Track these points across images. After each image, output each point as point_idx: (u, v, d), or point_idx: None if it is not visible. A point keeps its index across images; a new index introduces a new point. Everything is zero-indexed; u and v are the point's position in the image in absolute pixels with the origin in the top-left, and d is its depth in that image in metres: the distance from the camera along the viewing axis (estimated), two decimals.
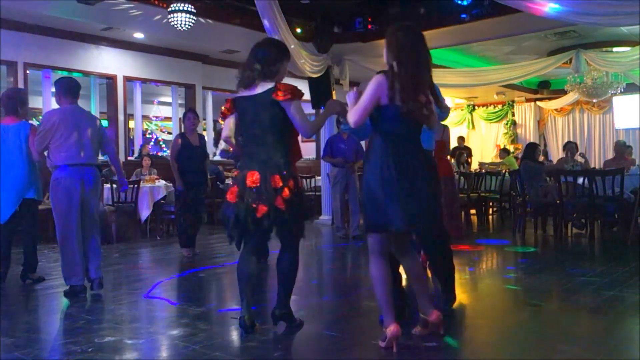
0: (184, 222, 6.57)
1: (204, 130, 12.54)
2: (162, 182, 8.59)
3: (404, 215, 2.99)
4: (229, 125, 3.58)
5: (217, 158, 10.80)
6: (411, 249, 3.27)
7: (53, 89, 5.25)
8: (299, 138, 4.24)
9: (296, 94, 3.33)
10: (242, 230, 3.33)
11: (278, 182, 3.26)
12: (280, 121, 3.34)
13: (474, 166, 13.29)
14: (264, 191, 3.24)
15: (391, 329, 3.01)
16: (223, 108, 3.54)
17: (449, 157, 6.20)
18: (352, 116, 3.07)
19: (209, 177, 7.01)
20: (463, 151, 12.95)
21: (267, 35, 8.51)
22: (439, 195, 3.27)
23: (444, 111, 3.44)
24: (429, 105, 3.06)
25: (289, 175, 3.31)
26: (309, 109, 11.65)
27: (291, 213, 3.28)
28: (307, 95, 11.35)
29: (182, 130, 6.85)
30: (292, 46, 8.75)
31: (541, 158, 10.24)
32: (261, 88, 3.35)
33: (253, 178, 3.27)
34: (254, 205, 3.24)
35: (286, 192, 3.26)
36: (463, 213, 9.11)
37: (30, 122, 5.40)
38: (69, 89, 4.76)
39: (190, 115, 6.81)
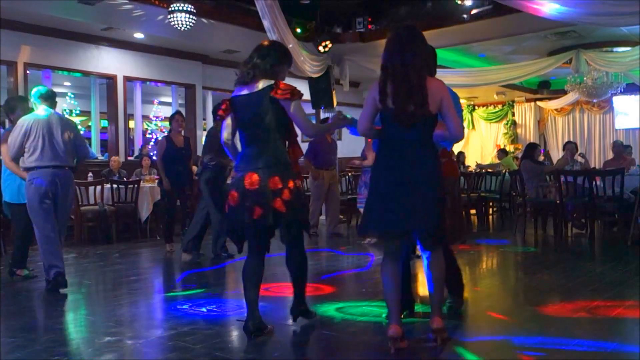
0: (168, 219, 6.97)
1: (204, 130, 12.54)
2: None
3: (407, 218, 3.00)
4: (226, 128, 3.43)
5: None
6: (430, 251, 3.17)
7: (54, 88, 5.38)
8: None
9: (296, 93, 3.28)
10: (241, 234, 3.34)
11: (277, 183, 3.20)
12: (279, 120, 3.28)
13: (472, 167, 13.30)
14: (262, 193, 3.19)
15: (391, 329, 3.01)
16: (220, 110, 3.44)
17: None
18: (358, 125, 3.15)
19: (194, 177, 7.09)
20: (462, 151, 12.95)
21: (267, 35, 8.52)
22: (443, 197, 3.17)
23: (451, 133, 3.13)
24: (424, 106, 2.97)
25: (289, 175, 3.27)
26: (309, 109, 11.67)
27: (292, 214, 3.25)
28: (307, 95, 11.39)
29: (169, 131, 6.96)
30: (291, 45, 8.75)
31: (541, 158, 10.24)
32: (261, 85, 3.29)
33: (251, 180, 3.22)
34: (253, 208, 3.20)
35: (286, 193, 3.21)
36: (463, 213, 9.10)
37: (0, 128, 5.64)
38: (42, 95, 4.99)
39: (178, 117, 6.90)
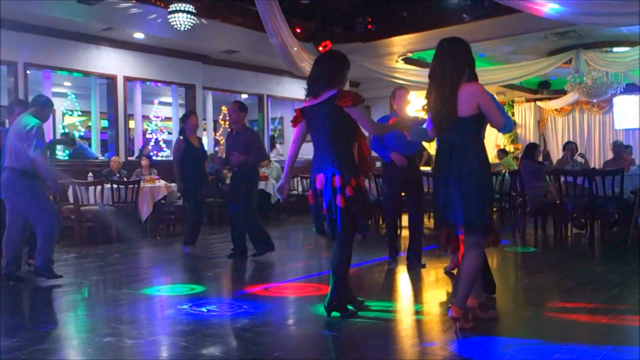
0: (197, 222, 6.77)
1: (204, 130, 12.55)
2: (162, 182, 8.59)
3: (448, 211, 3.37)
4: (298, 132, 3.88)
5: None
6: (474, 249, 3.42)
7: (54, 89, 5.44)
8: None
9: (357, 99, 3.63)
10: (323, 227, 3.73)
11: (338, 181, 3.57)
12: (342, 125, 3.66)
13: None
14: (328, 191, 3.60)
15: (450, 310, 3.32)
16: (293, 117, 3.89)
17: None
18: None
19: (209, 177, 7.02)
20: None
21: (267, 35, 8.53)
22: (490, 198, 3.57)
23: (495, 123, 3.49)
24: (451, 112, 3.29)
25: (350, 175, 3.61)
26: None
27: (349, 211, 3.58)
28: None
29: (182, 131, 6.78)
30: (295, 48, 8.76)
31: (540, 158, 10.23)
32: (325, 96, 3.68)
33: (320, 180, 3.66)
34: (323, 204, 3.62)
35: (349, 190, 3.57)
36: None
37: None
38: (31, 102, 5.38)
39: (194, 117, 6.81)
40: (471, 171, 3.31)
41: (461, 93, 3.30)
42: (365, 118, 3.75)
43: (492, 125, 3.50)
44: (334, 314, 3.68)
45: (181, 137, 6.69)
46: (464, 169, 3.31)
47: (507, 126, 3.63)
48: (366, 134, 3.92)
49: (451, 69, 3.33)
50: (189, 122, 6.74)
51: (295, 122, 3.87)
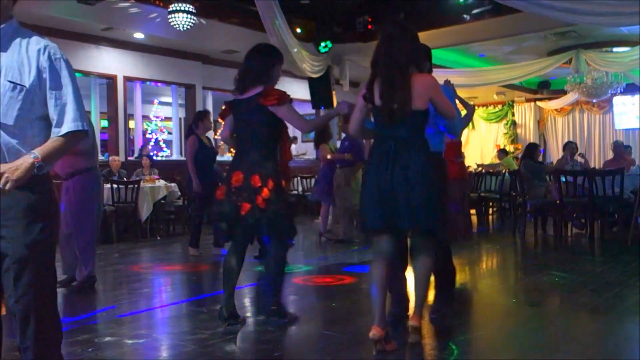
0: (199, 223, 6.61)
1: None
2: (162, 182, 8.59)
3: (394, 216, 2.95)
4: (227, 126, 3.79)
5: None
6: (425, 251, 3.13)
7: None
8: (299, 138, 4.42)
9: (283, 99, 3.47)
10: (228, 226, 3.53)
11: (257, 182, 3.41)
12: (265, 124, 3.51)
13: (471, 167, 13.30)
14: (245, 190, 3.42)
15: (372, 331, 2.94)
16: (222, 108, 3.79)
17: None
18: (349, 126, 3.18)
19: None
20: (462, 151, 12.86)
21: (268, 35, 8.53)
22: (440, 197, 3.09)
23: (449, 117, 3.19)
24: (406, 104, 2.94)
25: (268, 175, 3.44)
26: (309, 109, 11.67)
27: (271, 212, 3.41)
28: (307, 96, 11.39)
29: (192, 130, 6.64)
30: (295, 50, 8.74)
31: (540, 158, 10.24)
32: (251, 92, 3.53)
33: (237, 177, 3.47)
34: (238, 203, 3.42)
35: (265, 191, 3.39)
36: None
37: None
38: None
39: (209, 116, 6.65)
40: (421, 170, 2.95)
41: (414, 84, 2.96)
42: (293, 116, 3.54)
43: (446, 119, 3.22)
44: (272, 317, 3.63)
45: (194, 135, 6.51)
46: (411, 167, 2.94)
47: (450, 117, 3.19)
48: (298, 134, 3.84)
49: (401, 56, 2.98)
50: (205, 120, 6.58)
51: (222, 116, 3.77)
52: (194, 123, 6.66)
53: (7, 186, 1.85)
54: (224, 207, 3.49)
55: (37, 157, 1.92)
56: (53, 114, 2.02)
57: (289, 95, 3.51)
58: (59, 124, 2.02)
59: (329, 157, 7.36)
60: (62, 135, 2.01)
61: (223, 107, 3.76)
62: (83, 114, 2.08)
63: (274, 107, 3.46)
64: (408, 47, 3.03)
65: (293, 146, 13.88)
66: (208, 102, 12.67)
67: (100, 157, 10.71)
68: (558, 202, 7.56)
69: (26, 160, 1.90)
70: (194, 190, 6.41)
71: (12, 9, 2.19)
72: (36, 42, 2.06)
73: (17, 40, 2.08)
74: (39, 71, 2.00)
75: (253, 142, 3.53)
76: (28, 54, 2.02)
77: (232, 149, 6.35)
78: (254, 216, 3.40)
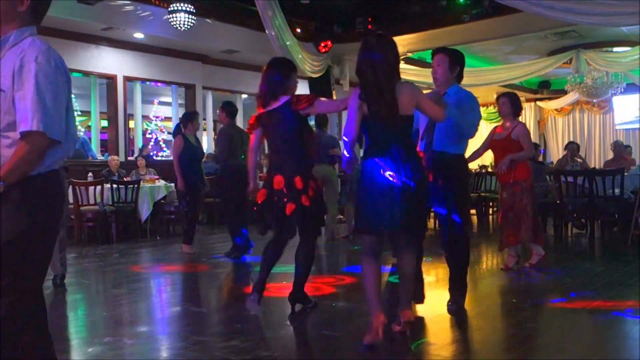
0: (193, 220, 6.74)
1: (204, 130, 12.55)
2: (162, 182, 8.59)
3: (382, 216, 3.05)
4: (257, 138, 3.98)
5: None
6: (407, 248, 3.29)
7: None
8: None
9: (312, 97, 3.70)
10: (274, 224, 3.81)
11: (299, 183, 3.64)
12: (297, 130, 3.73)
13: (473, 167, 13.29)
14: (289, 191, 3.64)
15: (380, 318, 3.07)
16: (249, 123, 3.99)
17: None
18: (348, 133, 3.16)
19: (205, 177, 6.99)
20: None
21: (267, 35, 8.53)
22: (421, 197, 3.15)
23: (437, 117, 3.29)
24: (393, 108, 3.05)
25: (308, 177, 3.71)
26: None
27: (314, 210, 3.70)
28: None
29: (184, 131, 6.75)
30: (288, 42, 8.71)
31: (540, 158, 10.24)
32: (277, 103, 3.73)
33: (279, 180, 3.68)
34: (281, 204, 3.65)
35: (310, 191, 3.66)
36: None
37: None
38: None
39: (198, 118, 6.84)
40: (410, 173, 3.04)
41: (402, 91, 3.09)
42: (332, 102, 3.93)
43: (435, 119, 3.37)
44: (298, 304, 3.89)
45: (180, 135, 6.67)
46: (403, 169, 3.04)
47: (437, 118, 3.30)
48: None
49: (385, 65, 3.09)
50: (194, 121, 6.80)
51: (251, 129, 3.95)
52: (183, 123, 6.83)
53: None
54: (269, 207, 3.74)
55: None
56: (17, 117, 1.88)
57: (313, 94, 3.77)
58: (17, 127, 1.87)
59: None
60: (19, 140, 1.87)
61: (251, 122, 3.94)
62: (42, 114, 1.86)
63: (308, 108, 3.66)
64: (389, 56, 3.15)
65: None
66: (208, 102, 12.66)
67: (100, 157, 10.73)
68: (558, 202, 7.56)
69: None
70: (178, 188, 6.67)
71: (20, 17, 2.21)
72: (22, 48, 2.00)
73: (14, 48, 2.02)
74: (13, 75, 1.91)
75: (288, 147, 3.74)
76: (13, 60, 1.95)
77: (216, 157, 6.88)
78: (298, 214, 3.66)
